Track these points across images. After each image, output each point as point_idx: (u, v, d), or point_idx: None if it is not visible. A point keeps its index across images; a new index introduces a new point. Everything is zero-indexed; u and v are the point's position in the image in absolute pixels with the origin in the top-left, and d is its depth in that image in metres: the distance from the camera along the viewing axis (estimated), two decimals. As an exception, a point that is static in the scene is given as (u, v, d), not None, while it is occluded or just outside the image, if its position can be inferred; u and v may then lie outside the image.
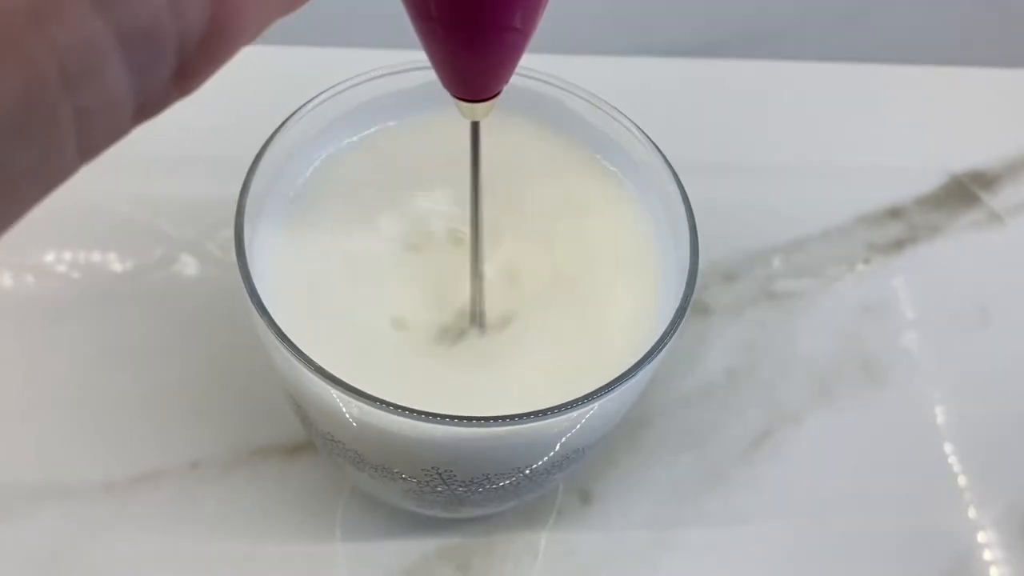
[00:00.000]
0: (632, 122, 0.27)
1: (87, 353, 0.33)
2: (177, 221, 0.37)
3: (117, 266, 0.35)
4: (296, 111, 0.26)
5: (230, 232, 0.37)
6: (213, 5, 0.13)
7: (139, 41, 0.12)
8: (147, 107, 0.13)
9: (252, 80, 0.38)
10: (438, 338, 0.24)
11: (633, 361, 0.22)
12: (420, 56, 0.27)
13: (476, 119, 0.21)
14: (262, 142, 0.25)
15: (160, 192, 0.38)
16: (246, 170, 0.25)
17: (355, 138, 0.28)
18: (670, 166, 0.26)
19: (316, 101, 0.26)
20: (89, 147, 0.13)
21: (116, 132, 0.13)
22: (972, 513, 0.33)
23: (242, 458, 0.31)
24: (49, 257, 0.35)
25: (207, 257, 0.36)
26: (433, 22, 0.17)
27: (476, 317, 0.24)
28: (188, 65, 0.13)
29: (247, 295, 0.22)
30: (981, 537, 0.33)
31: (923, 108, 0.46)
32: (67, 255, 0.35)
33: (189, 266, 0.36)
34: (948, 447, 0.35)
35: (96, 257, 0.36)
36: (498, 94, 0.19)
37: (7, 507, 0.30)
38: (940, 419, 0.35)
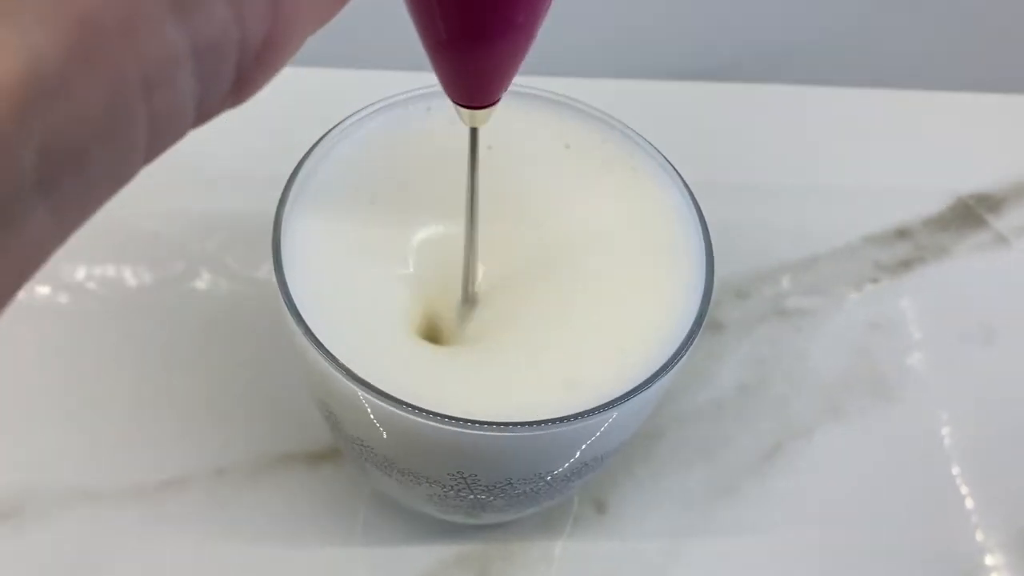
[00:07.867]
0: (648, 142, 0.28)
1: (116, 362, 0.34)
2: (197, 236, 0.38)
3: (141, 279, 0.36)
4: (328, 132, 0.26)
5: (247, 246, 0.38)
6: (271, 19, 0.14)
7: (208, 52, 0.13)
8: (203, 114, 0.14)
9: (269, 101, 0.39)
10: (465, 339, 0.25)
11: (649, 373, 0.23)
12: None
13: (476, 125, 0.22)
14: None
15: (181, 208, 0.39)
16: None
17: (373, 145, 0.28)
18: (687, 186, 0.27)
19: (347, 123, 0.27)
20: (153, 150, 0.14)
21: (176, 137, 0.14)
22: (977, 532, 0.34)
23: (267, 465, 0.32)
24: (76, 270, 0.36)
25: (226, 270, 0.37)
26: (439, 40, 0.19)
27: (468, 312, 0.25)
28: (245, 75, 0.14)
29: (283, 305, 0.22)
30: (987, 558, 0.33)
31: (931, 132, 0.47)
32: (94, 269, 0.36)
33: (209, 279, 0.37)
34: (954, 462, 0.35)
35: (122, 271, 0.37)
36: (497, 101, 0.21)
37: (38, 511, 0.31)
38: (946, 435, 0.36)
